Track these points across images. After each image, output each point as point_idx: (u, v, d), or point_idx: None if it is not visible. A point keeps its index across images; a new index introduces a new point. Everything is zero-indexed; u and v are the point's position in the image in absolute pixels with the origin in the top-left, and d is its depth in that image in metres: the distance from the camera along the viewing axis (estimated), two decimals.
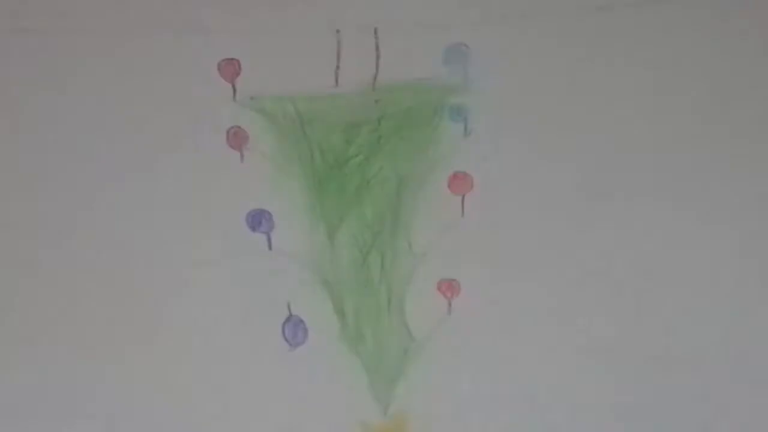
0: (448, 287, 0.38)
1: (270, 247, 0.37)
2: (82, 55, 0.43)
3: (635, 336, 0.43)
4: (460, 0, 0.42)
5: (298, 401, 0.39)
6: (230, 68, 0.38)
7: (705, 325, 0.43)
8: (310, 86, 0.38)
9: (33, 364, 0.41)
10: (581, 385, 0.42)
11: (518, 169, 0.41)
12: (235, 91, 0.38)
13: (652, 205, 0.42)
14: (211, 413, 0.41)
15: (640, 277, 0.42)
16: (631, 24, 0.44)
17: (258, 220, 0.37)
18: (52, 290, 0.41)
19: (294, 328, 0.37)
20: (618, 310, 0.42)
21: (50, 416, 0.42)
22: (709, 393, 0.43)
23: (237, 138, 0.37)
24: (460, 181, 0.38)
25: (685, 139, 0.44)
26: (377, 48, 0.39)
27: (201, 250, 0.39)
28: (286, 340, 0.37)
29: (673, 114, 0.44)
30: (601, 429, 0.42)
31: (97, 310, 0.41)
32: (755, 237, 0.45)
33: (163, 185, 0.41)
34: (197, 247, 0.39)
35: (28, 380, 0.41)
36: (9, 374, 0.42)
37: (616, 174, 0.42)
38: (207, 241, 0.39)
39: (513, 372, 0.41)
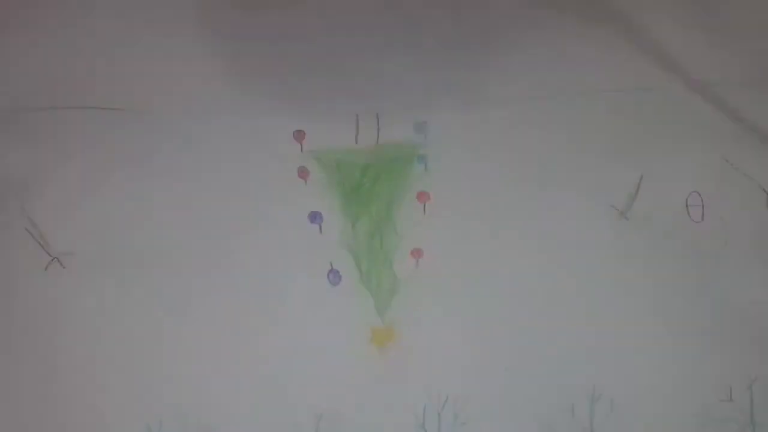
0: (417, 253, 0.55)
1: (321, 231, 0.56)
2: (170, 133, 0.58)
3: None
4: (430, 94, 0.58)
5: (334, 317, 0.55)
6: (299, 134, 0.57)
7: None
8: (342, 145, 0.57)
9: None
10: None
11: (460, 188, 0.56)
12: (301, 147, 0.57)
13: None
14: (274, 333, 0.54)
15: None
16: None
17: (314, 217, 0.56)
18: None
19: (333, 276, 0.55)
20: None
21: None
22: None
23: (303, 173, 0.56)
24: (423, 196, 0.56)
25: None
26: (378, 124, 0.57)
27: (282, 233, 0.55)
28: (329, 281, 0.55)
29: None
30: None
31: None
32: None
33: (254, 199, 0.56)
34: (280, 231, 0.55)
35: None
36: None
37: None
38: (285, 230, 0.55)
39: (466, 294, 0.55)
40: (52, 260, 0.55)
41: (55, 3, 0.61)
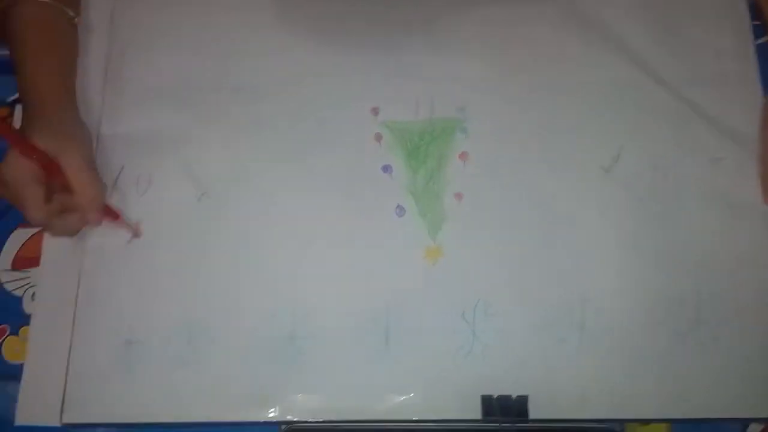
0: (458, 195, 0.65)
1: (391, 178, 0.66)
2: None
3: None
4: (470, 86, 0.68)
5: (400, 239, 0.64)
6: (375, 110, 0.67)
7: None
8: (406, 117, 0.68)
9: None
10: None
11: (490, 150, 0.66)
12: (377, 119, 0.68)
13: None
14: (358, 249, 0.64)
15: None
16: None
17: (386, 168, 0.66)
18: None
19: (399, 210, 0.65)
20: None
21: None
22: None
23: (378, 136, 0.67)
24: (463, 155, 0.66)
25: None
26: (432, 103, 0.68)
27: (364, 179, 0.66)
28: (396, 214, 0.65)
29: None
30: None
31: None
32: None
33: (344, 155, 0.67)
34: (363, 178, 0.66)
35: None
36: None
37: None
38: (366, 177, 0.66)
39: (492, 225, 0.64)
40: (202, 194, 0.67)
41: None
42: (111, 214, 0.65)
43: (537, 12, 0.71)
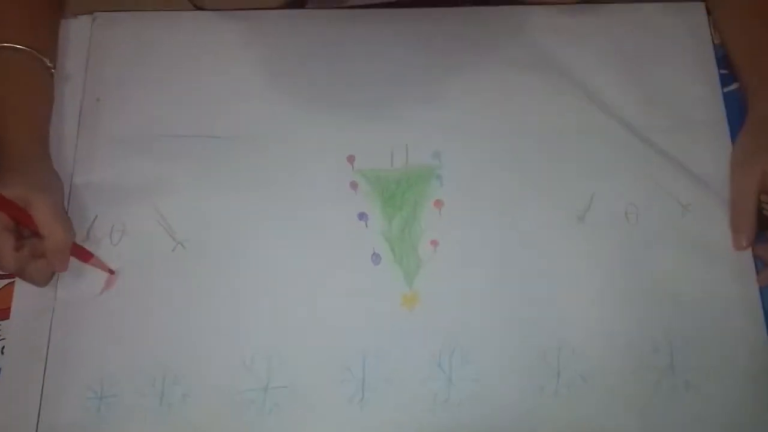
0: (434, 242, 0.65)
1: (366, 226, 0.66)
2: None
3: None
4: (444, 131, 0.69)
5: (375, 287, 0.64)
6: (351, 158, 0.67)
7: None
8: (381, 166, 0.68)
9: None
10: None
11: (466, 197, 0.66)
12: (353, 167, 0.68)
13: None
14: (333, 298, 0.64)
15: None
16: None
17: (361, 216, 0.66)
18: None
19: (375, 258, 0.65)
20: None
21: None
22: None
23: (353, 185, 0.67)
24: (438, 203, 0.66)
25: None
26: (407, 152, 0.68)
27: (339, 227, 0.66)
28: (372, 262, 0.65)
29: None
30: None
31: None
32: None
33: (319, 203, 0.66)
34: (338, 226, 0.66)
35: None
36: None
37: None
38: (341, 225, 0.66)
39: (468, 272, 0.64)
40: (177, 245, 0.66)
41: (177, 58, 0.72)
42: (83, 255, 0.64)
43: (509, 59, 0.72)
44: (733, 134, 0.70)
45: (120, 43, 0.73)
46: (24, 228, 0.62)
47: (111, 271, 0.65)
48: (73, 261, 0.65)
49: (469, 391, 0.62)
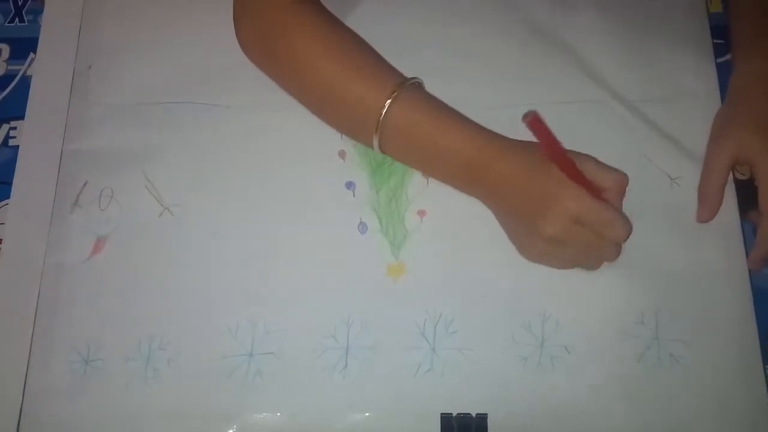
0: (421, 213, 0.65)
1: (354, 195, 0.66)
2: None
3: None
4: None
5: (362, 255, 0.64)
6: (343, 154, 0.66)
7: None
8: None
9: None
10: None
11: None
12: (341, 135, 0.67)
13: None
14: (320, 265, 0.64)
15: None
16: None
17: (349, 185, 0.66)
18: None
19: (362, 227, 0.64)
20: None
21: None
22: None
23: (342, 154, 0.67)
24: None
25: None
26: None
27: (328, 196, 0.65)
28: (359, 231, 0.64)
29: None
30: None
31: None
32: None
33: (309, 172, 0.66)
34: (326, 194, 0.65)
35: None
36: None
37: None
38: (330, 194, 0.65)
39: (455, 242, 0.64)
40: (164, 210, 0.66)
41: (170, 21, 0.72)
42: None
43: (500, 30, 0.71)
44: None
45: (112, 9, 0.73)
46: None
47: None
48: (60, 224, 0.67)
49: (452, 360, 0.62)
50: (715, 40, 0.71)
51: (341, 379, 0.62)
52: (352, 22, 0.67)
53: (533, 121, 0.55)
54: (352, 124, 0.65)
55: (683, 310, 0.63)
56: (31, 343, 0.63)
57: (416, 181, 0.67)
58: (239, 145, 0.68)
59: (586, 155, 0.60)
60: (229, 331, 0.63)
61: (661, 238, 0.65)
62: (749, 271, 0.64)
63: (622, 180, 0.60)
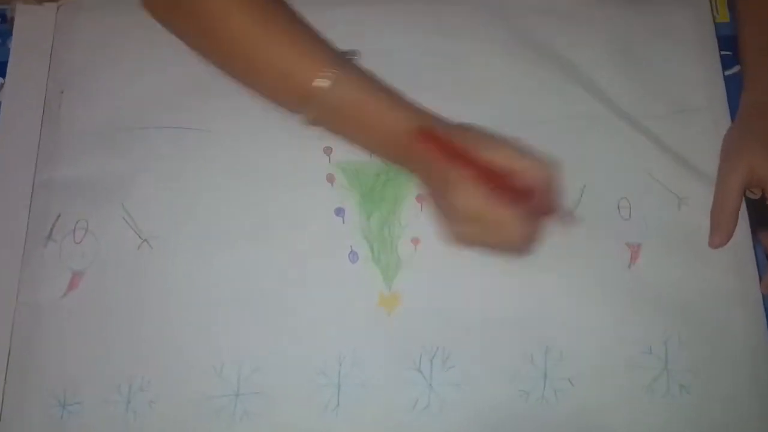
0: (415, 241, 0.64)
1: (343, 222, 0.65)
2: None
3: None
4: None
5: (352, 287, 0.63)
6: (328, 150, 0.66)
7: None
8: (360, 158, 0.66)
9: None
10: None
11: None
12: (329, 159, 0.66)
13: None
14: (308, 298, 0.63)
15: None
16: None
17: (338, 211, 0.65)
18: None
19: (352, 256, 0.64)
20: None
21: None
22: None
23: (330, 178, 0.66)
24: (420, 198, 0.65)
25: None
26: None
27: (315, 223, 0.65)
28: (349, 260, 0.64)
29: None
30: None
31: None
32: None
33: (295, 197, 0.65)
34: (313, 221, 0.65)
35: None
36: None
37: None
38: (317, 221, 0.65)
39: (451, 271, 0.63)
40: (143, 242, 0.65)
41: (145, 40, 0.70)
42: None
43: (494, 44, 0.70)
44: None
45: (86, 31, 0.72)
46: None
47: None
48: (33, 259, 0.66)
49: (450, 396, 0.61)
50: (722, 52, 0.70)
51: (333, 417, 0.61)
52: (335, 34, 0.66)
53: (422, 138, 0.57)
54: (274, 93, 0.64)
55: (693, 338, 0.62)
56: (3, 388, 0.62)
57: (409, 207, 0.66)
58: (221, 171, 0.67)
59: (503, 145, 0.59)
60: (213, 369, 0.62)
61: (668, 263, 0.64)
62: (762, 296, 0.63)
63: (542, 175, 0.59)
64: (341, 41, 0.65)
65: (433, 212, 0.63)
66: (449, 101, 0.64)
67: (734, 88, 0.68)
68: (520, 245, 0.60)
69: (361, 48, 0.66)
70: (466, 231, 0.59)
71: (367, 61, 0.65)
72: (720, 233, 0.63)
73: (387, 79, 0.65)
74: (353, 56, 0.62)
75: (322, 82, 0.60)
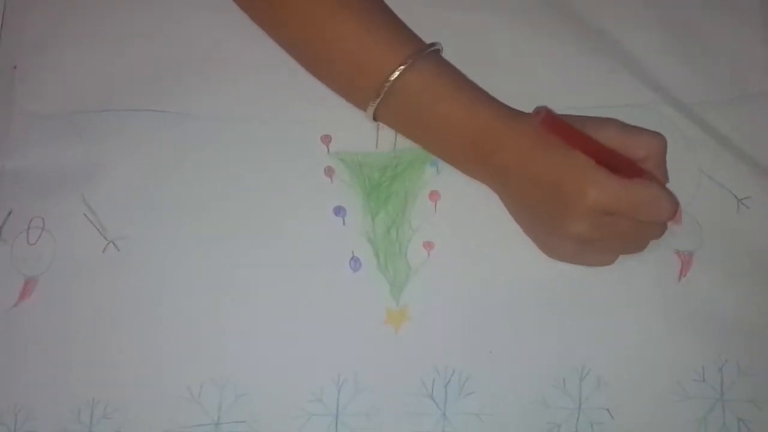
0: (428, 245, 0.61)
1: (344, 224, 0.62)
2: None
3: None
4: None
5: (354, 299, 0.60)
6: (326, 139, 0.63)
7: None
8: (364, 148, 0.64)
9: None
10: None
11: (468, 189, 0.62)
12: (328, 149, 0.63)
13: None
14: (302, 312, 0.61)
15: None
16: None
17: (338, 210, 0.62)
18: None
19: (354, 263, 0.61)
20: None
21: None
22: None
23: (329, 171, 0.63)
24: (434, 195, 0.62)
25: None
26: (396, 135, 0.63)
27: (310, 224, 0.62)
28: (351, 267, 0.61)
29: None
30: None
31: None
32: None
33: (287, 193, 0.63)
34: (308, 222, 0.62)
35: None
36: None
37: None
38: (313, 221, 0.62)
39: (472, 282, 0.61)
40: (108, 243, 0.62)
41: (111, 12, 0.68)
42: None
43: (530, 23, 0.67)
44: None
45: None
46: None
47: None
48: None
49: (468, 428, 0.58)
50: None
51: None
52: None
53: (545, 122, 0.55)
54: (345, 83, 0.62)
55: (754, 363, 0.59)
56: None
57: (422, 206, 0.63)
58: (199, 161, 0.64)
59: (608, 121, 0.57)
60: (190, 394, 0.59)
61: (725, 274, 0.61)
62: None
63: (658, 143, 0.57)
64: None
65: (524, 229, 0.62)
66: (485, 84, 0.62)
67: None
68: (654, 237, 0.60)
69: None
70: (567, 249, 0.59)
71: None
72: None
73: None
74: (437, 48, 0.60)
75: (399, 74, 0.58)
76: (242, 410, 0.59)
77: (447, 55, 0.63)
